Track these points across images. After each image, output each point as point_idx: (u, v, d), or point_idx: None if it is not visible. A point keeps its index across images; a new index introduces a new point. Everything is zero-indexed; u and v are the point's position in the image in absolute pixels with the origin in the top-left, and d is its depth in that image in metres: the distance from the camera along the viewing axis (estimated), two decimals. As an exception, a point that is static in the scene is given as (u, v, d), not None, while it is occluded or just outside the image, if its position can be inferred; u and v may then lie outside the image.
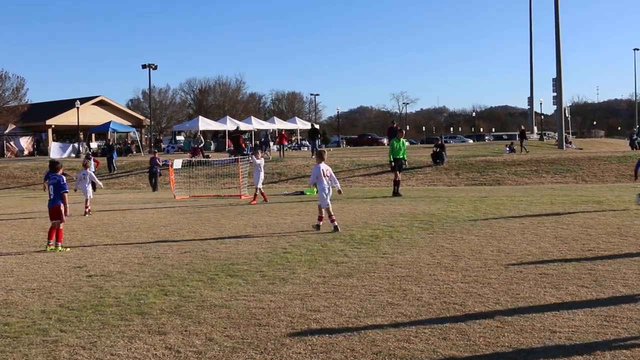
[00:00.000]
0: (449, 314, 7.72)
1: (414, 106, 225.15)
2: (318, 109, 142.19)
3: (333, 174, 16.22)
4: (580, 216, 16.64)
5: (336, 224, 15.46)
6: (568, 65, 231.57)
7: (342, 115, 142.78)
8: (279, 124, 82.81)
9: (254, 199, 24.38)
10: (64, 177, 14.43)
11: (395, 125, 39.41)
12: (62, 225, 14.04)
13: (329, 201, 15.77)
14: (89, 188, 22.33)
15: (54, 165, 14.64)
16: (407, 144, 40.11)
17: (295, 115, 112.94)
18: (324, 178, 15.85)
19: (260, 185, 24.73)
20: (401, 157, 25.55)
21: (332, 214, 15.68)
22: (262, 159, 26.23)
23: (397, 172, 25.60)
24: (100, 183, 23.49)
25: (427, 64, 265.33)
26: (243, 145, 47.70)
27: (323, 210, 15.83)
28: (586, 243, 12.55)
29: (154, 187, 35.84)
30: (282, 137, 52.90)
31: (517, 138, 55.38)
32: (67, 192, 14.11)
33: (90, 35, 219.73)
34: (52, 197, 14.08)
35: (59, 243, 13.77)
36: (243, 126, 69.48)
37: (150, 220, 19.07)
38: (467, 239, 13.47)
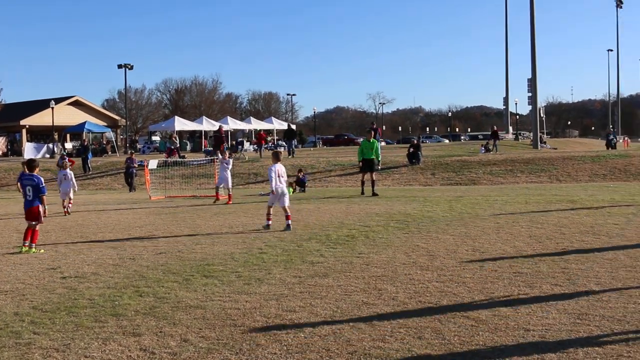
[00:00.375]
0: (424, 313, 7.75)
1: (391, 106, 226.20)
2: (295, 109, 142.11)
3: (285, 175, 16.44)
4: (554, 215, 16.78)
5: (289, 222, 15.69)
6: (543, 65, 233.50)
7: (319, 116, 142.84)
8: (255, 124, 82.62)
9: (229, 200, 24.46)
10: (42, 179, 14.26)
11: (374, 126, 39.47)
12: (38, 227, 13.92)
13: (285, 200, 16.01)
14: (70, 188, 22.46)
15: (31, 163, 14.43)
16: (382, 144, 40.21)
17: (271, 115, 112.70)
18: (279, 178, 16.06)
19: (230, 186, 24.96)
20: (371, 157, 25.64)
21: (289, 213, 15.93)
22: (231, 159, 26.37)
23: (370, 173, 25.71)
24: (76, 185, 23.38)
25: (403, 64, 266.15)
26: (222, 147, 47.63)
27: (284, 208, 16.00)
28: (560, 242, 12.66)
29: (130, 188, 35.75)
30: (261, 137, 52.84)
31: (490, 138, 55.41)
32: (45, 194, 13.99)
33: (66, 35, 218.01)
34: (29, 199, 13.93)
35: (33, 244, 13.65)
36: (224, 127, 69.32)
37: (126, 221, 18.96)
38: (442, 239, 13.53)
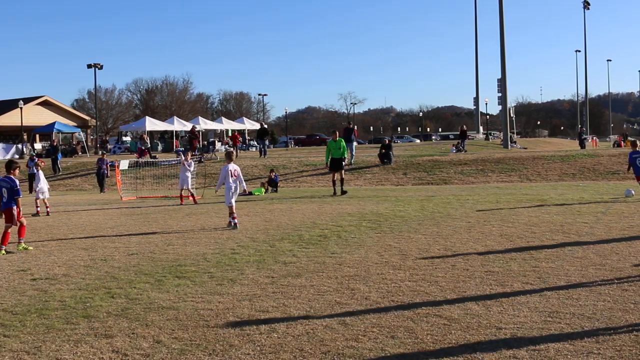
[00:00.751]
0: (397, 312, 7.78)
1: (362, 106, 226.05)
2: (266, 109, 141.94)
3: (240, 175, 17.04)
4: (524, 214, 16.92)
5: (236, 221, 16.29)
6: (512, 66, 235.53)
7: (290, 116, 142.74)
8: (227, 124, 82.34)
9: (194, 200, 24.56)
10: (18, 182, 14.07)
11: (351, 125, 39.51)
12: (10, 229, 13.77)
13: (233, 200, 16.53)
14: (45, 188, 22.45)
15: (10, 165, 14.22)
16: (355, 144, 40.26)
17: (243, 115, 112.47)
18: (230, 178, 16.68)
19: (190, 187, 25.00)
20: (339, 157, 25.83)
21: (234, 212, 16.45)
22: (192, 161, 26.43)
23: (339, 172, 25.87)
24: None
25: (374, 65, 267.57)
26: (194, 146, 47.62)
27: (228, 207, 16.62)
28: (530, 241, 12.77)
29: (102, 188, 35.51)
30: (235, 137, 52.93)
31: (458, 138, 55.43)
32: (20, 197, 13.84)
33: (34, 34, 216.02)
34: (5, 200, 13.78)
35: (3, 246, 13.48)
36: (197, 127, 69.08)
37: (97, 222, 18.82)
38: (414, 238, 13.59)
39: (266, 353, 6.50)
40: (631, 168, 21.37)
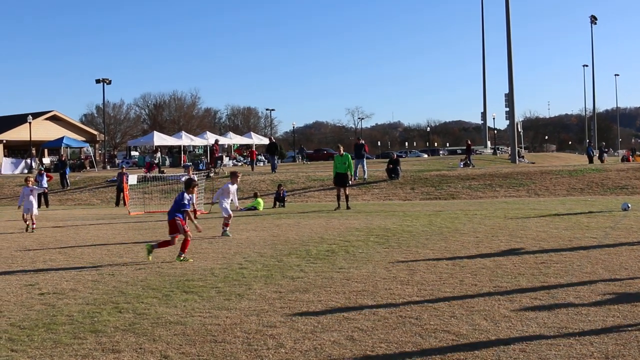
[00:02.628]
0: (405, 328, 7.75)
1: (369, 121, 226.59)
2: (274, 124, 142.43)
3: (235, 196, 18.62)
4: (532, 229, 16.87)
5: (227, 230, 17.83)
6: (520, 80, 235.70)
7: (298, 130, 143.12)
8: (234, 139, 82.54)
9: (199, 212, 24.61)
10: (188, 197, 14.21)
11: (361, 141, 39.60)
12: (180, 239, 13.89)
13: (230, 211, 18.13)
14: (34, 203, 21.65)
15: (190, 183, 14.48)
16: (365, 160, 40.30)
17: (250, 130, 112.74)
18: (229, 194, 18.28)
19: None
20: (344, 172, 25.89)
21: (229, 223, 18.05)
22: (194, 175, 26.44)
23: (344, 187, 25.97)
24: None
25: (382, 80, 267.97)
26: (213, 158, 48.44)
27: (225, 217, 18.08)
28: (539, 256, 12.72)
29: (117, 202, 35.62)
30: (252, 152, 53.74)
31: (464, 153, 55.18)
32: (188, 209, 14.04)
33: (43, 50, 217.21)
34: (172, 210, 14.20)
35: (183, 254, 13.71)
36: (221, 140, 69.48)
37: (104, 236, 18.85)
38: (422, 253, 13.56)
39: (274, 368, 6.48)
40: None
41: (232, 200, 18.33)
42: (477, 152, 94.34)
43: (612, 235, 15.32)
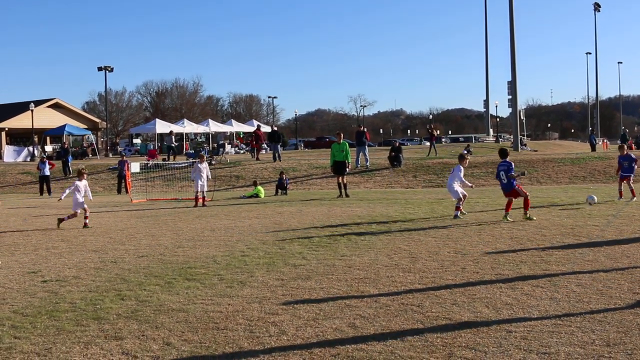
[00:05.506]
0: (407, 315, 7.76)
1: (372, 109, 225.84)
2: (276, 112, 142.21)
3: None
4: (535, 217, 16.86)
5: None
6: (523, 68, 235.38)
7: (300, 118, 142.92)
8: (237, 127, 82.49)
9: (197, 203, 24.45)
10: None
11: (362, 128, 39.45)
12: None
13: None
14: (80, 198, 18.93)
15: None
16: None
17: (253, 118, 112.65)
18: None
19: (205, 189, 24.84)
20: (342, 160, 25.80)
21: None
22: (206, 163, 26.13)
23: (342, 176, 25.93)
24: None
25: (384, 67, 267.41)
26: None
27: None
28: (541, 244, 12.73)
29: (119, 190, 35.53)
30: (258, 138, 52.60)
31: (428, 140, 51.39)
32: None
33: (46, 37, 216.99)
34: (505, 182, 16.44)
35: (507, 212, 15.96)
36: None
37: (107, 224, 18.87)
38: (424, 241, 13.57)
39: (275, 356, 6.49)
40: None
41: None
42: (480, 140, 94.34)
43: (614, 224, 15.32)
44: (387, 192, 30.19)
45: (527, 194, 16.72)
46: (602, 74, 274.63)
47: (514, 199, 16.76)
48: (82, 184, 19.08)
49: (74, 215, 18.32)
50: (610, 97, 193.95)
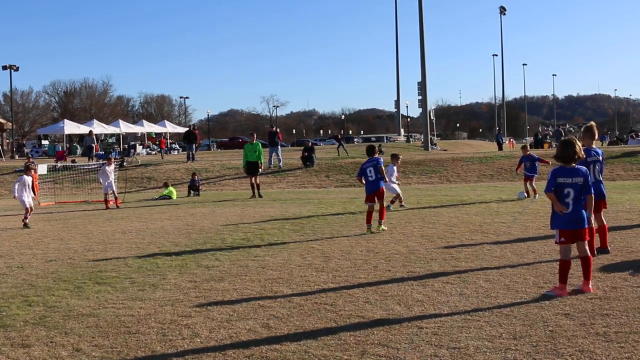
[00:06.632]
0: (320, 315, 7.81)
1: (284, 109, 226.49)
2: (188, 112, 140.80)
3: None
4: (445, 215, 17.22)
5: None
6: (432, 69, 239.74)
7: (213, 119, 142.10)
8: (148, 128, 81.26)
9: (107, 205, 24.08)
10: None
11: (275, 129, 39.50)
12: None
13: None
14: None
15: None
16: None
17: (164, 118, 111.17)
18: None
19: (114, 189, 24.61)
20: (254, 160, 25.95)
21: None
22: (113, 165, 25.83)
23: (255, 176, 26.01)
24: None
25: (296, 67, 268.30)
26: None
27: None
28: (451, 241, 13.00)
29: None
30: (162, 142, 53.87)
31: (336, 142, 54.32)
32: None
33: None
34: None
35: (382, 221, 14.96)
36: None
37: (13, 228, 18.32)
38: (337, 240, 13.68)
39: (189, 358, 6.44)
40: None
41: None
42: (391, 139, 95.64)
43: (520, 220, 15.78)
44: (300, 192, 30.28)
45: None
46: (508, 76, 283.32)
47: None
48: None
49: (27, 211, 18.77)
50: (516, 97, 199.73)
